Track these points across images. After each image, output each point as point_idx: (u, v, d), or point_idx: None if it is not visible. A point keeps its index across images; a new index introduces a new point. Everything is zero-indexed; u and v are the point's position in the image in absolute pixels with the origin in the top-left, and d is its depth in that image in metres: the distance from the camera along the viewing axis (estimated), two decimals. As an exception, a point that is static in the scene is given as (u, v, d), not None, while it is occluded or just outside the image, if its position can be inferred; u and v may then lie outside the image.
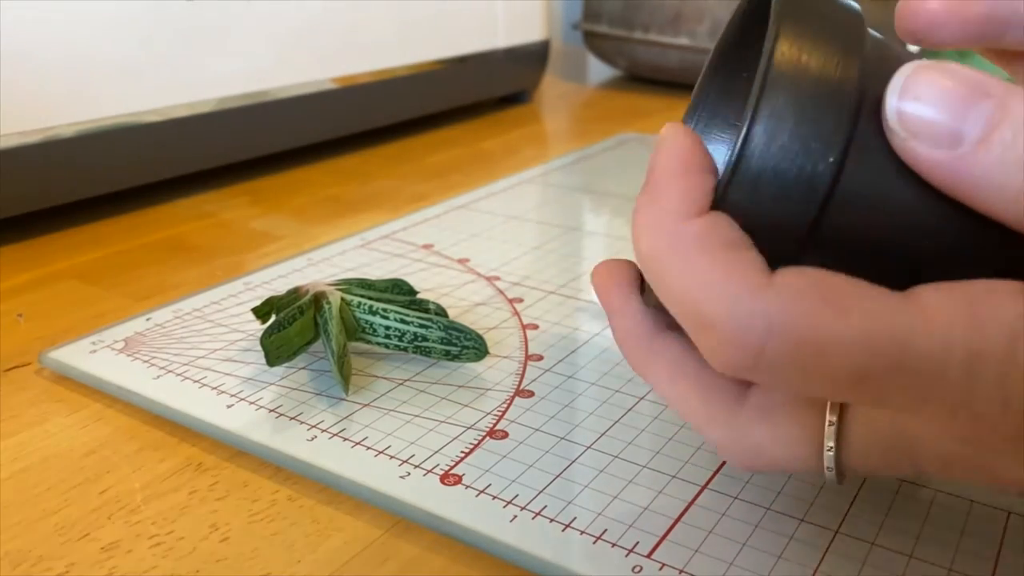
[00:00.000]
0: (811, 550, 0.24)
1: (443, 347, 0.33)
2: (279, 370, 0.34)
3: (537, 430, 0.30)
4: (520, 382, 0.33)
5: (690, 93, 0.27)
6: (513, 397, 0.32)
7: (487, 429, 0.30)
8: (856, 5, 0.21)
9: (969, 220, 0.19)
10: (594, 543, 0.25)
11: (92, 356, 0.35)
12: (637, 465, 0.28)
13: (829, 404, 0.22)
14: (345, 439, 0.29)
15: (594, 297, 0.39)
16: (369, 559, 0.25)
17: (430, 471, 0.28)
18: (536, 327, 0.37)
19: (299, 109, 0.61)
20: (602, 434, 0.30)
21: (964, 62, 0.19)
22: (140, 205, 0.55)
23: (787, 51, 0.19)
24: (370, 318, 0.34)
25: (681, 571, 0.24)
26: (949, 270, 0.19)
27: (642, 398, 0.32)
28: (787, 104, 0.19)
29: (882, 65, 0.20)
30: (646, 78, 0.93)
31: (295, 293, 0.35)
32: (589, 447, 0.29)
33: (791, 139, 0.19)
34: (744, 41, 0.25)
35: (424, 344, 0.33)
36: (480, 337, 0.33)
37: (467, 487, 0.27)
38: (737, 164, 0.19)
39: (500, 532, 0.25)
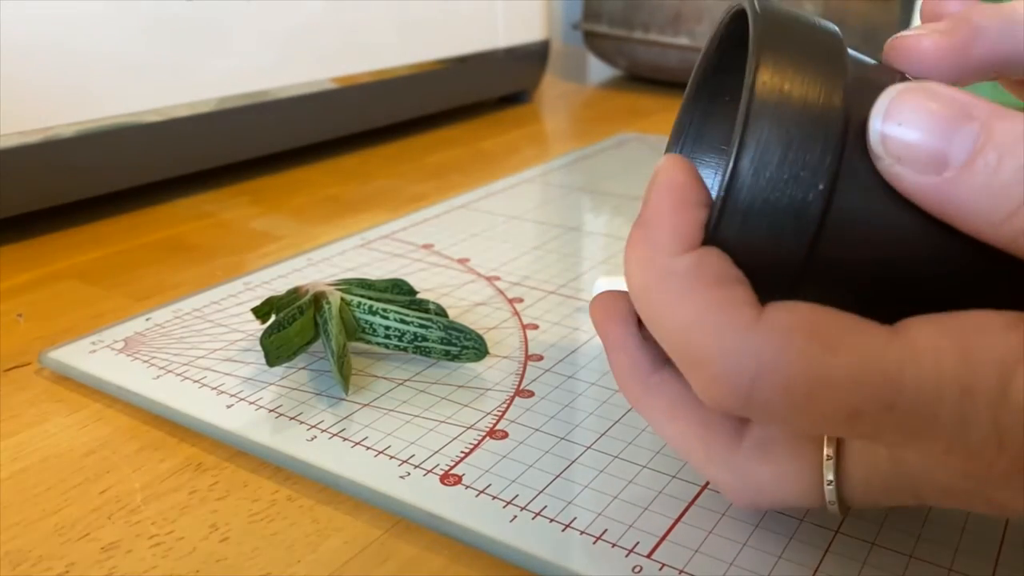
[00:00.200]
0: (811, 550, 0.24)
1: (443, 347, 0.33)
2: (279, 370, 0.34)
3: (537, 430, 0.30)
4: (520, 382, 0.33)
5: None
6: (513, 397, 0.32)
7: (487, 429, 0.30)
8: (835, 27, 0.21)
9: (961, 243, 0.19)
10: (594, 543, 0.25)
11: (92, 356, 0.35)
12: (637, 465, 0.28)
13: (826, 438, 0.22)
14: (345, 439, 0.29)
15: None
16: (369, 559, 0.25)
17: (430, 471, 0.28)
18: (536, 327, 0.37)
19: (299, 109, 0.61)
20: (602, 434, 0.30)
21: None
22: (140, 205, 0.55)
23: (768, 81, 0.19)
24: (370, 318, 0.34)
25: (681, 571, 0.24)
26: (943, 295, 0.19)
27: (642, 398, 0.32)
28: (772, 135, 0.19)
29: (865, 86, 0.20)
30: (646, 78, 0.93)
31: (295, 293, 0.35)
32: (589, 447, 0.29)
33: (778, 170, 0.19)
34: (723, 65, 0.25)
35: (424, 344, 0.33)
36: (480, 337, 0.33)
37: (467, 487, 0.27)
38: (726, 199, 0.19)
39: (500, 532, 0.25)
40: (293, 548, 0.25)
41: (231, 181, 0.60)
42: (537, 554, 0.24)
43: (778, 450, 0.22)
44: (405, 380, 0.33)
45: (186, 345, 0.36)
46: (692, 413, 0.23)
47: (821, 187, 0.19)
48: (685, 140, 0.26)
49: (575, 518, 0.26)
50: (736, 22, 0.23)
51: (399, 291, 0.37)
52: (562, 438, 0.29)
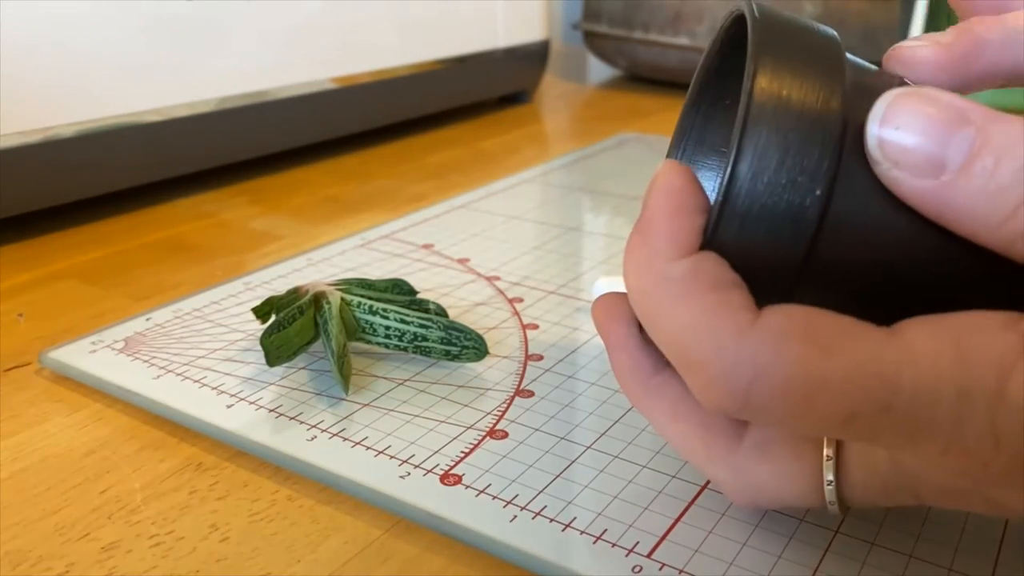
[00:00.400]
0: (811, 550, 0.24)
1: (443, 347, 0.33)
2: (279, 370, 0.34)
3: (537, 430, 0.30)
4: (520, 382, 0.33)
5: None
6: (513, 397, 0.32)
7: (487, 429, 0.30)
8: (833, 32, 0.21)
9: (958, 246, 0.19)
10: (594, 543, 0.25)
11: (92, 356, 0.35)
12: (637, 465, 0.28)
13: (826, 439, 0.22)
14: (345, 439, 0.29)
15: (594, 297, 0.39)
16: (369, 559, 0.25)
17: (430, 471, 0.28)
18: (536, 327, 0.37)
19: (299, 109, 0.61)
20: (602, 434, 0.30)
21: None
22: (140, 205, 0.55)
23: (766, 86, 0.19)
24: (370, 318, 0.34)
25: (681, 571, 0.24)
26: (941, 297, 0.19)
27: (642, 398, 0.32)
28: (770, 140, 0.19)
29: (863, 91, 0.20)
30: (646, 78, 0.93)
31: (295, 293, 0.35)
32: (589, 447, 0.29)
33: (776, 175, 0.19)
34: (724, 69, 0.25)
35: (424, 344, 0.33)
36: (480, 337, 0.33)
37: (467, 487, 0.27)
38: (724, 203, 0.19)
39: (500, 532, 0.25)
40: (293, 548, 0.25)
41: (231, 181, 0.60)
42: (537, 554, 0.24)
43: (778, 450, 0.22)
44: (405, 380, 0.33)
45: (186, 345, 0.36)
46: (692, 414, 0.23)
47: (818, 192, 0.19)
48: (687, 144, 0.26)
49: (575, 518, 0.26)
50: (737, 26, 0.24)
51: (399, 291, 0.37)
52: (562, 438, 0.29)
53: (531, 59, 0.82)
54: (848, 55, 0.21)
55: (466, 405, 0.31)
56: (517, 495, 0.27)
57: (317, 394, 0.32)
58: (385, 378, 0.33)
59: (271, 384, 0.33)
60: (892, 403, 0.18)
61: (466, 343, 0.33)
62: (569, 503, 0.26)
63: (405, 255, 0.45)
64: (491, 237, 0.47)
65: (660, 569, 0.24)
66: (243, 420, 0.31)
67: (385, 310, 0.34)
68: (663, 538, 0.25)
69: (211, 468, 0.29)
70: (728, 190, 0.19)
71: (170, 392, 0.32)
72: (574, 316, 0.38)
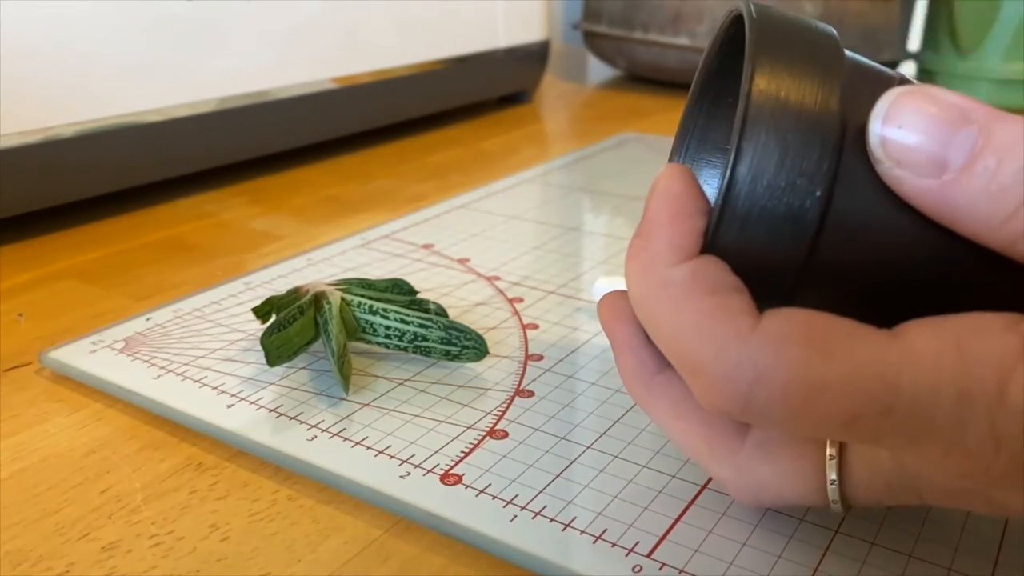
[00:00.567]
0: (811, 550, 0.24)
1: (443, 347, 0.33)
2: (279, 370, 0.34)
3: (537, 430, 0.30)
4: (520, 382, 0.33)
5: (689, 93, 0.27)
6: (513, 397, 0.32)
7: (487, 429, 0.30)
8: (832, 30, 0.21)
9: (959, 246, 0.19)
10: (594, 543, 0.25)
11: (92, 356, 0.35)
12: (637, 465, 0.28)
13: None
14: (345, 439, 0.29)
15: (593, 297, 0.39)
16: (369, 559, 0.25)
17: (430, 471, 0.28)
18: (536, 327, 0.37)
19: (299, 109, 0.61)
20: (602, 434, 0.30)
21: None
22: (140, 205, 0.55)
23: (764, 87, 0.19)
24: (370, 318, 0.34)
25: (681, 571, 0.24)
26: (942, 297, 0.19)
27: (642, 398, 0.32)
28: (769, 142, 0.19)
29: (863, 89, 0.20)
30: (646, 78, 0.93)
31: (295, 293, 0.35)
32: (589, 447, 0.29)
33: (776, 177, 0.19)
34: (725, 68, 0.25)
35: (424, 344, 0.33)
36: (480, 337, 0.33)
37: (467, 487, 0.27)
38: (723, 207, 0.19)
39: (500, 532, 0.25)
40: (293, 548, 0.25)
41: (231, 181, 0.60)
42: (537, 554, 0.24)
43: (780, 450, 0.22)
44: (405, 380, 0.33)
45: (186, 345, 0.36)
46: (695, 413, 0.23)
47: (818, 193, 0.19)
48: (690, 142, 0.26)
49: (575, 517, 0.26)
50: (736, 25, 0.24)
51: (399, 291, 0.37)
52: (562, 438, 0.29)
53: (531, 59, 0.82)
54: (847, 52, 0.21)
55: (466, 405, 0.31)
56: (517, 495, 0.27)
57: (317, 394, 0.32)
58: (385, 378, 0.33)
59: (271, 384, 0.33)
60: (893, 405, 0.18)
61: (466, 343, 0.33)
62: (569, 503, 0.26)
63: (405, 255, 0.45)
64: (491, 237, 0.47)
65: (660, 569, 0.24)
66: (243, 420, 0.31)
67: (385, 310, 0.34)
68: (663, 538, 0.25)
69: (211, 468, 0.29)
70: (728, 193, 0.19)
71: (170, 392, 0.32)
72: (574, 316, 0.38)
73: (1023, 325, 0.18)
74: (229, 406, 0.31)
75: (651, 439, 0.29)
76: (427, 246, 0.46)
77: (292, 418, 0.31)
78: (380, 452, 0.29)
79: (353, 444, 0.29)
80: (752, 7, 0.21)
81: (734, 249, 0.19)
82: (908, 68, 0.90)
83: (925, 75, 0.86)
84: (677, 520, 0.25)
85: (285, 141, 0.63)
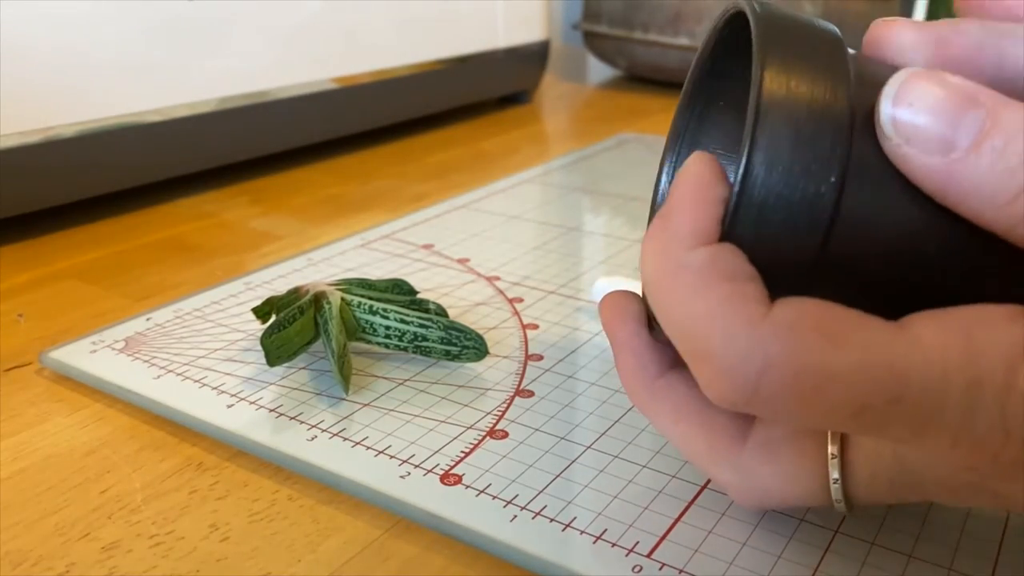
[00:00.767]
0: (811, 550, 0.24)
1: (443, 347, 0.33)
2: (279, 370, 0.34)
3: (537, 430, 0.30)
4: (520, 382, 0.33)
5: None
6: (513, 397, 0.32)
7: (487, 429, 0.30)
8: (833, 26, 0.21)
9: (967, 233, 0.19)
10: (594, 543, 0.25)
11: (92, 356, 0.35)
12: (637, 465, 0.28)
13: (830, 435, 0.22)
14: (345, 439, 0.29)
15: (593, 297, 0.39)
16: (369, 559, 0.25)
17: (430, 471, 0.28)
18: (536, 327, 0.37)
19: (299, 109, 0.61)
20: (602, 434, 0.30)
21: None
22: (140, 205, 0.55)
23: (775, 77, 0.19)
24: (370, 318, 0.34)
25: (681, 571, 0.24)
26: (950, 286, 0.20)
27: (642, 398, 0.32)
28: (782, 130, 0.19)
29: (866, 80, 0.20)
30: (646, 78, 0.93)
31: (295, 293, 0.35)
32: (589, 447, 0.29)
33: (790, 163, 0.19)
34: (717, 71, 0.25)
35: (424, 344, 0.33)
36: (480, 337, 0.33)
37: (467, 487, 0.27)
38: (740, 194, 0.19)
39: (500, 532, 0.25)
40: (293, 548, 0.25)
41: (231, 181, 0.60)
42: (537, 554, 0.24)
43: (782, 450, 0.22)
44: (405, 380, 0.33)
45: (187, 345, 0.36)
46: (696, 416, 0.23)
47: (833, 179, 0.19)
48: (681, 146, 0.27)
49: (575, 518, 0.26)
50: (730, 27, 0.24)
51: (399, 291, 0.37)
52: (562, 438, 0.29)
53: (531, 59, 0.82)
54: (849, 49, 0.21)
55: (466, 405, 0.31)
56: (517, 495, 0.27)
57: (317, 394, 0.32)
58: (385, 378, 0.33)
59: (271, 384, 0.33)
60: (902, 395, 0.18)
61: (466, 343, 0.33)
62: (569, 503, 0.26)
63: (405, 255, 0.45)
64: (491, 237, 0.47)
65: (660, 569, 0.24)
66: (243, 420, 0.31)
67: (385, 310, 0.34)
68: (663, 538, 0.25)
69: (211, 468, 0.29)
70: (744, 180, 0.19)
71: (170, 392, 0.32)
72: (574, 316, 0.38)
73: None
74: (229, 406, 0.31)
75: (651, 439, 0.29)
76: (427, 246, 0.46)
77: (292, 418, 0.31)
78: (380, 452, 0.29)
79: (353, 444, 0.29)
80: (755, 4, 0.21)
81: (751, 236, 0.20)
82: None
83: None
84: (677, 520, 0.25)
85: (285, 141, 0.63)
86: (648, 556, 0.24)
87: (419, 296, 0.37)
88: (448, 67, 0.73)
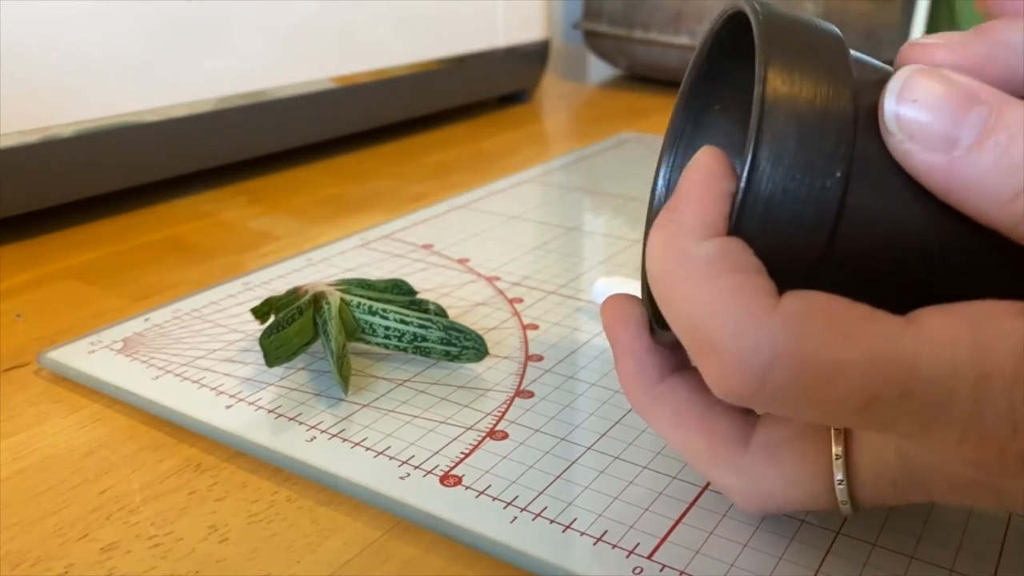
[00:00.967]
0: (812, 551, 0.24)
1: (443, 347, 0.33)
2: (278, 370, 0.34)
3: (537, 431, 0.30)
4: (520, 382, 0.33)
5: None
6: (513, 398, 0.32)
7: (487, 430, 0.30)
8: (832, 25, 0.21)
9: (970, 230, 0.19)
10: (595, 544, 0.25)
11: (91, 356, 0.35)
12: (638, 466, 0.28)
13: (833, 435, 0.22)
14: (344, 440, 0.29)
15: (593, 297, 0.39)
16: (368, 560, 0.25)
17: (430, 472, 0.28)
18: (536, 327, 0.37)
19: (298, 109, 0.61)
20: (602, 435, 0.30)
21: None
22: (139, 205, 0.55)
23: (779, 75, 0.19)
24: (370, 318, 0.34)
25: (682, 572, 0.23)
26: (954, 283, 0.20)
27: (642, 398, 0.32)
28: (787, 126, 0.19)
29: (868, 78, 0.20)
30: (646, 77, 0.92)
31: (294, 293, 0.35)
32: (589, 448, 0.29)
33: (796, 160, 0.19)
34: (713, 73, 0.25)
35: (424, 344, 0.33)
36: (480, 337, 0.33)
37: (467, 488, 0.27)
38: (746, 191, 0.19)
39: (500, 533, 0.25)
40: (292, 549, 0.25)
41: (230, 181, 0.60)
42: (537, 555, 0.24)
43: (785, 453, 0.22)
44: (405, 381, 0.33)
45: (185, 345, 0.36)
46: (697, 420, 0.23)
47: (838, 174, 0.19)
48: (678, 149, 0.27)
49: (575, 519, 0.26)
50: (727, 28, 0.24)
51: (399, 291, 0.37)
52: (562, 439, 0.29)
53: (531, 59, 0.82)
54: (851, 50, 0.21)
55: (466, 406, 0.31)
56: (517, 496, 0.27)
57: (316, 395, 0.32)
58: (385, 379, 0.33)
59: (270, 385, 0.33)
60: (911, 388, 0.18)
61: (466, 343, 0.33)
62: (569, 504, 0.26)
63: (405, 255, 0.45)
64: (491, 237, 0.47)
65: (661, 570, 0.24)
66: (242, 421, 0.30)
67: (385, 310, 0.34)
68: (664, 539, 0.25)
69: (210, 469, 0.29)
70: (750, 176, 0.19)
71: (169, 392, 0.32)
72: (574, 316, 0.38)
73: None
74: (228, 407, 0.31)
75: (652, 440, 0.29)
76: (427, 246, 0.46)
77: (291, 419, 0.31)
78: (380, 453, 0.29)
79: (352, 445, 0.29)
80: (756, 4, 0.21)
81: (757, 232, 0.20)
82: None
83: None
84: (678, 522, 0.25)
85: (284, 141, 0.63)
86: (649, 558, 0.24)
87: (419, 296, 0.37)
88: (448, 66, 0.73)
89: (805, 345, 0.18)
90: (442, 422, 0.30)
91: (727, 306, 0.19)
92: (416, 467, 0.28)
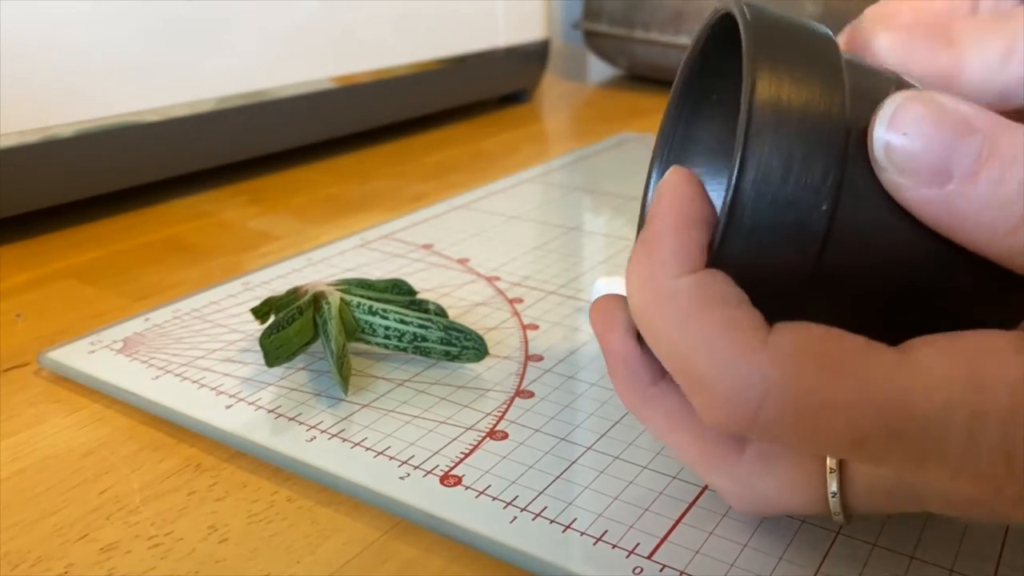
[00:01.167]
0: (812, 552, 0.24)
1: (443, 347, 0.33)
2: (278, 370, 0.34)
3: (537, 431, 0.30)
4: (520, 383, 0.33)
5: None
6: (513, 398, 0.32)
7: (487, 430, 0.30)
8: (827, 30, 0.20)
9: (964, 256, 0.19)
10: (594, 544, 0.25)
11: (91, 356, 0.35)
12: (637, 466, 0.28)
13: None
14: (344, 440, 0.29)
15: (593, 297, 0.39)
16: (368, 560, 0.25)
17: (430, 472, 0.28)
18: (536, 327, 0.37)
19: (298, 109, 0.61)
20: (602, 435, 0.30)
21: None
22: (139, 205, 0.55)
23: (766, 97, 0.18)
24: (369, 318, 0.34)
25: (682, 572, 0.23)
26: (947, 307, 0.19)
27: (642, 398, 0.32)
28: (772, 155, 0.18)
29: (863, 93, 0.19)
30: (646, 77, 0.92)
31: (294, 293, 0.35)
32: (589, 448, 0.29)
33: (780, 191, 0.18)
34: (708, 68, 0.24)
35: (424, 344, 0.33)
36: (480, 337, 0.33)
37: (467, 488, 0.27)
38: (729, 221, 0.19)
39: (500, 533, 0.25)
40: (292, 549, 0.25)
41: (230, 181, 0.60)
42: (537, 555, 0.24)
43: (781, 462, 0.22)
44: (405, 381, 0.33)
45: (185, 345, 0.36)
46: (689, 424, 0.23)
47: (824, 207, 0.18)
48: (671, 147, 0.26)
49: (575, 519, 0.26)
50: (720, 26, 0.23)
51: (399, 291, 0.37)
52: (562, 439, 0.29)
53: (531, 59, 0.82)
54: (844, 53, 0.20)
55: (466, 406, 0.31)
56: (517, 496, 0.27)
57: (316, 395, 0.32)
58: (385, 379, 0.33)
59: (270, 385, 0.33)
60: (903, 427, 0.17)
61: (466, 343, 0.33)
62: (569, 504, 0.26)
63: (405, 255, 0.45)
64: (491, 237, 0.47)
65: (661, 570, 0.24)
66: (242, 421, 0.30)
67: (385, 310, 0.34)
68: (664, 539, 0.25)
69: (210, 469, 0.29)
70: (733, 206, 0.18)
71: (169, 392, 0.32)
72: (574, 316, 0.38)
73: None
74: (228, 407, 0.31)
75: (651, 440, 0.29)
76: (427, 246, 0.46)
77: (291, 419, 0.31)
78: (379, 453, 0.29)
79: (352, 445, 0.29)
80: (745, 9, 0.20)
81: (740, 261, 0.19)
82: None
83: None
84: (678, 522, 0.25)
85: (284, 141, 0.63)
86: (649, 558, 0.24)
87: (419, 296, 0.37)
88: (448, 66, 0.73)
89: (796, 383, 0.18)
90: (442, 422, 0.30)
91: (713, 343, 0.18)
92: (416, 467, 0.28)
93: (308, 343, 0.33)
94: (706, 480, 0.23)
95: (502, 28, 0.77)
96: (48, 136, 0.48)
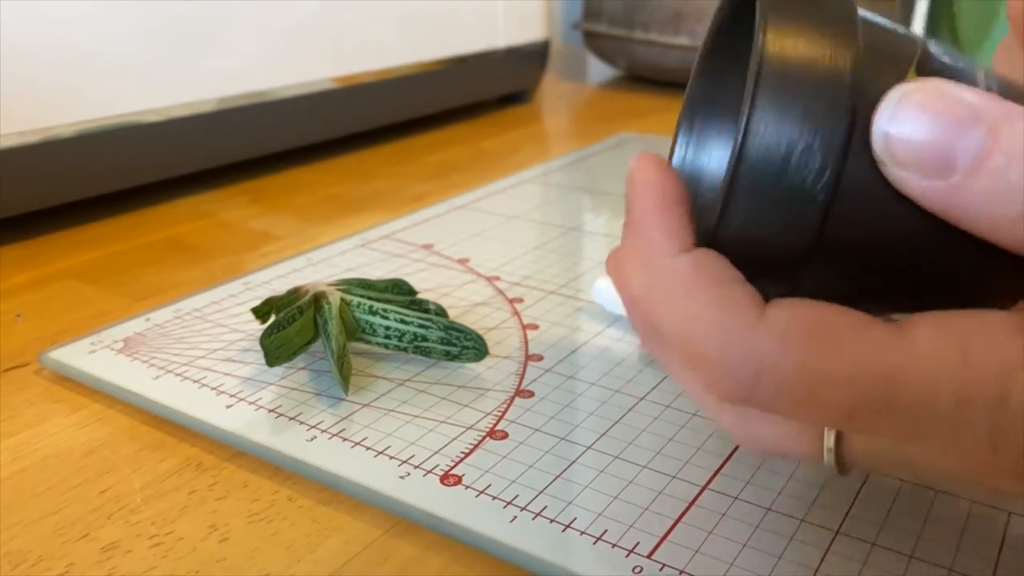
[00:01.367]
0: (812, 550, 0.24)
1: (443, 347, 0.33)
2: (279, 370, 0.34)
3: (537, 430, 0.30)
4: (520, 382, 0.33)
5: None
6: (513, 397, 0.32)
7: (487, 429, 0.30)
8: None
9: (968, 237, 0.19)
10: (594, 543, 0.25)
11: (91, 356, 0.35)
12: (637, 465, 0.28)
13: None
14: (345, 439, 0.29)
15: (594, 297, 0.39)
16: (368, 559, 0.25)
17: (430, 471, 0.28)
18: (536, 327, 0.37)
19: (299, 109, 0.61)
20: (602, 434, 0.30)
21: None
22: (139, 205, 0.55)
23: (774, 58, 0.18)
24: (370, 318, 0.34)
25: (682, 571, 0.23)
26: (949, 279, 0.19)
27: (642, 398, 0.32)
28: (780, 118, 0.18)
29: (880, 60, 0.19)
30: (646, 78, 0.92)
31: (295, 293, 0.35)
32: (589, 447, 0.29)
33: (786, 155, 0.18)
34: (733, 30, 0.25)
35: (424, 344, 0.33)
36: (480, 337, 0.33)
37: (467, 487, 0.27)
38: (729, 194, 0.19)
39: (500, 533, 0.25)
40: (293, 548, 0.25)
41: (231, 181, 0.60)
42: (537, 555, 0.24)
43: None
44: (405, 380, 0.33)
45: (186, 345, 0.36)
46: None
47: (828, 175, 0.18)
48: (696, 116, 0.26)
49: (575, 518, 0.26)
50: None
51: (399, 291, 0.37)
52: (562, 438, 0.29)
53: (531, 59, 0.82)
54: (865, 13, 0.20)
55: (466, 405, 0.31)
56: (517, 495, 0.27)
57: (317, 394, 0.32)
58: (385, 378, 0.33)
59: (271, 384, 0.33)
60: (893, 403, 0.18)
61: (466, 343, 0.33)
62: (569, 503, 0.26)
63: (405, 255, 0.45)
64: (491, 237, 0.47)
65: (661, 570, 0.24)
66: (243, 420, 0.30)
67: (385, 310, 0.34)
68: (663, 539, 0.25)
69: (211, 468, 0.29)
70: (736, 170, 0.19)
71: (170, 392, 0.32)
72: (574, 316, 0.38)
73: None
74: (228, 406, 0.31)
75: (651, 440, 0.29)
76: (427, 246, 0.46)
77: (291, 418, 0.31)
78: (380, 453, 0.29)
79: (353, 444, 0.29)
80: None
81: (740, 234, 0.19)
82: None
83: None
84: (678, 521, 0.25)
85: (285, 141, 0.63)
86: (648, 557, 0.24)
87: (419, 296, 0.37)
88: (448, 67, 0.73)
89: (791, 358, 0.18)
90: (442, 422, 0.30)
91: (713, 320, 0.19)
92: (416, 467, 0.28)
93: (309, 343, 0.33)
94: (711, 414, 0.23)
95: (502, 28, 0.77)
96: (48, 136, 0.48)
